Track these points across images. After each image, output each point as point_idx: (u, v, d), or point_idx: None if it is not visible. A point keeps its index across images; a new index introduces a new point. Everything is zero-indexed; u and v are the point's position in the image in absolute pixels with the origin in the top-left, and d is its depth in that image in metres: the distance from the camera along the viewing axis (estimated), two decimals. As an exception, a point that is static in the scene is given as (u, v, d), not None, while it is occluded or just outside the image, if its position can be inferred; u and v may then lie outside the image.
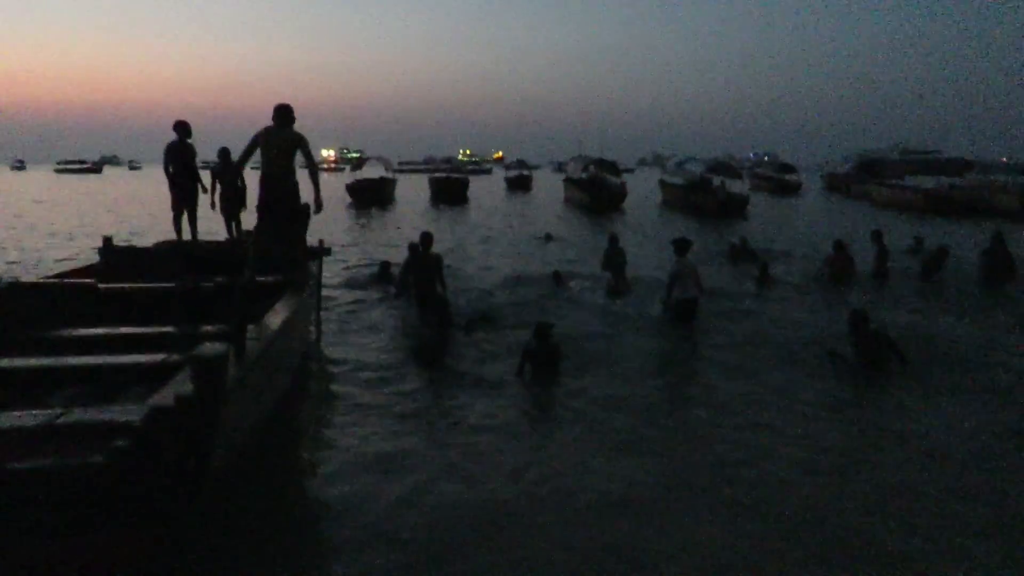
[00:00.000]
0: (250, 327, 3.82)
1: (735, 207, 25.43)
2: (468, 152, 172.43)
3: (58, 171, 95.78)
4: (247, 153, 6.15)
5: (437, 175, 38.41)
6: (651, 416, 5.09)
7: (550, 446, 4.60)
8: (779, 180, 44.42)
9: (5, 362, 3.97)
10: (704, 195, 26.84)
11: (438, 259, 8.13)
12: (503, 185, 48.28)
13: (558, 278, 10.24)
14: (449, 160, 57.14)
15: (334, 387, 5.67)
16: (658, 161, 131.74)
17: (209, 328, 4.78)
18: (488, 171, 77.87)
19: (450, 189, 34.73)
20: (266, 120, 6.18)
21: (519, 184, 47.28)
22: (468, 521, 3.53)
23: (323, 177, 6.60)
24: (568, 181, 34.53)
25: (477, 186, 40.65)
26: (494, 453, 4.41)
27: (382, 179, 33.58)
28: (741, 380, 5.89)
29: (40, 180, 68.26)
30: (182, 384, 2.87)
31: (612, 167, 32.12)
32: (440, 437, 4.67)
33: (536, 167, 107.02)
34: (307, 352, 6.41)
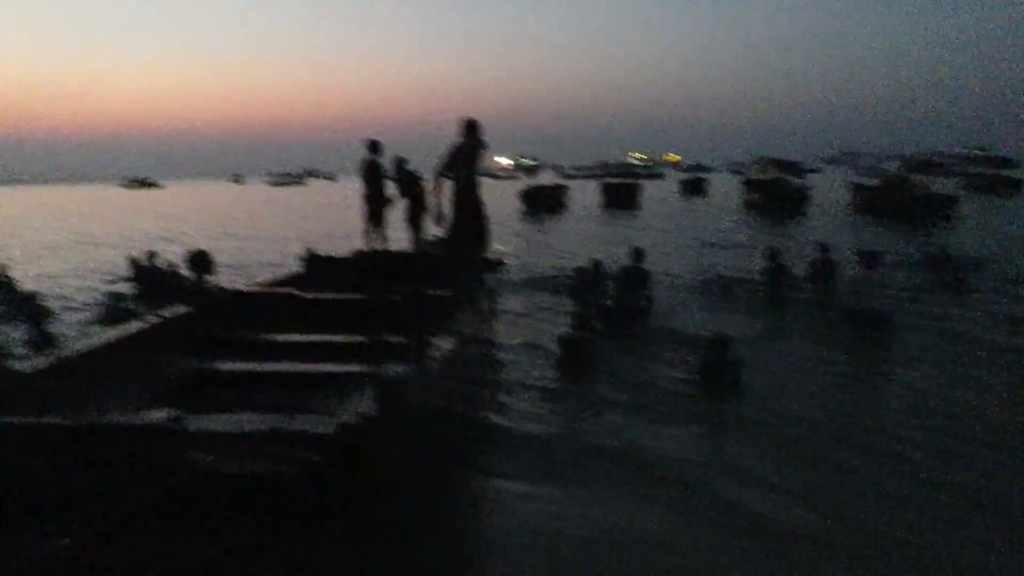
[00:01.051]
0: (429, 341, 4.00)
1: (937, 209, 22.97)
2: (640, 155, 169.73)
3: (270, 183, 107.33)
4: (443, 166, 6.56)
5: (608, 180, 38.31)
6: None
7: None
8: (995, 177, 39.48)
9: (218, 364, 4.55)
10: (900, 196, 24.51)
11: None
12: (677, 188, 47.14)
13: (718, 284, 9.85)
14: (621, 165, 56.69)
15: (504, 401, 5.75)
16: (847, 159, 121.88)
17: (393, 339, 5.14)
18: (660, 175, 76.20)
19: (622, 194, 34.51)
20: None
21: (694, 188, 45.89)
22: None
23: (500, 184, 6.83)
24: (746, 184, 33.03)
25: (649, 191, 39.96)
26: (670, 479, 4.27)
27: (555, 186, 34.12)
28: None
29: (256, 191, 76.82)
30: (366, 400, 3.09)
31: (793, 167, 30.30)
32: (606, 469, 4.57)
33: (712, 169, 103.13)
34: (480, 365, 6.60)
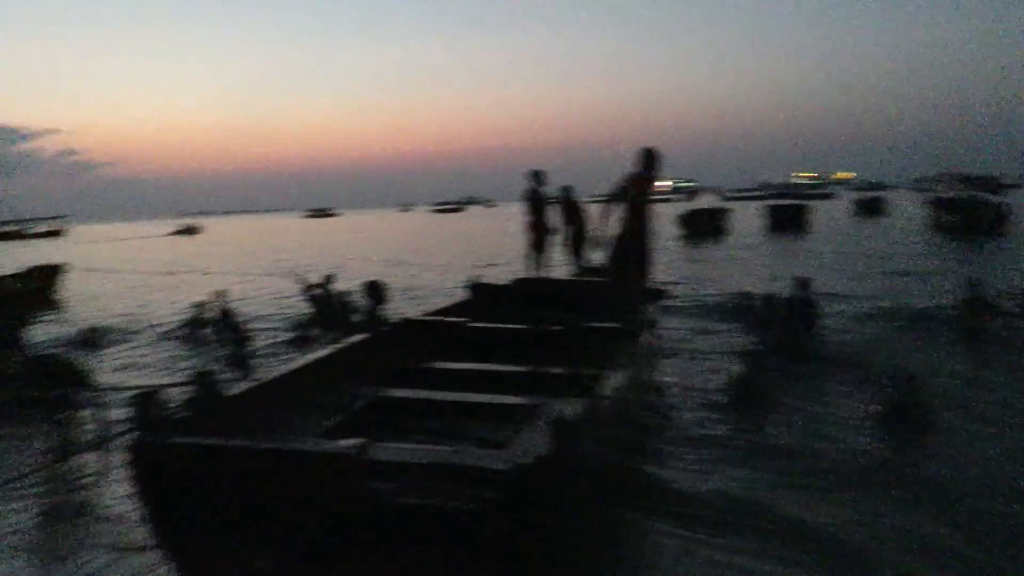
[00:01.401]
0: (597, 375, 3.91)
1: None
2: (807, 174, 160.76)
3: (432, 211, 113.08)
4: (613, 197, 6.54)
5: (772, 202, 36.53)
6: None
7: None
8: None
9: (392, 392, 4.72)
10: None
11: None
12: (850, 209, 44.00)
13: (905, 315, 9.01)
14: (786, 185, 53.90)
15: (668, 443, 5.50)
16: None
17: (559, 372, 5.10)
18: (830, 195, 71.48)
19: (787, 217, 32.71)
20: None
21: (871, 208, 42.58)
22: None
23: (658, 208, 6.66)
24: (934, 202, 30.15)
25: (819, 212, 37.57)
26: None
27: (715, 208, 33.03)
28: None
29: (421, 218, 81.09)
30: (537, 436, 3.07)
31: (987, 183, 27.22)
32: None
33: (890, 187, 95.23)
34: (643, 403, 6.41)
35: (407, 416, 4.55)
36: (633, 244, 6.61)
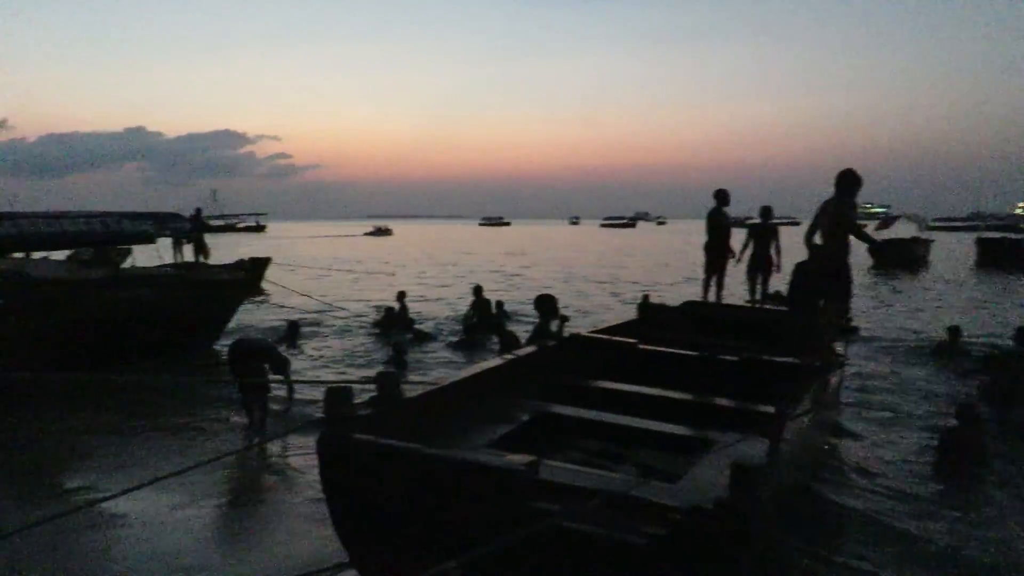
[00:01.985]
0: (776, 413, 3.63)
1: None
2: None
3: (603, 225, 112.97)
4: (811, 228, 6.16)
5: (986, 235, 32.59)
6: None
7: None
8: None
9: (555, 408, 4.68)
10: None
11: None
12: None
13: None
14: (1002, 216, 47.86)
15: (864, 493, 4.99)
16: None
17: (731, 404, 4.82)
18: (1059, 229, 62.57)
19: (1004, 251, 29.04)
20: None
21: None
22: None
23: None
24: None
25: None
26: None
27: (913, 239, 30.06)
28: None
29: (590, 232, 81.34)
30: (711, 477, 2.88)
31: None
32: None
33: None
34: (833, 445, 5.90)
35: (568, 433, 4.50)
36: (828, 274, 6.10)
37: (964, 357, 8.94)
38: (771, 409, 3.26)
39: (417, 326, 11.53)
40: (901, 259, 27.63)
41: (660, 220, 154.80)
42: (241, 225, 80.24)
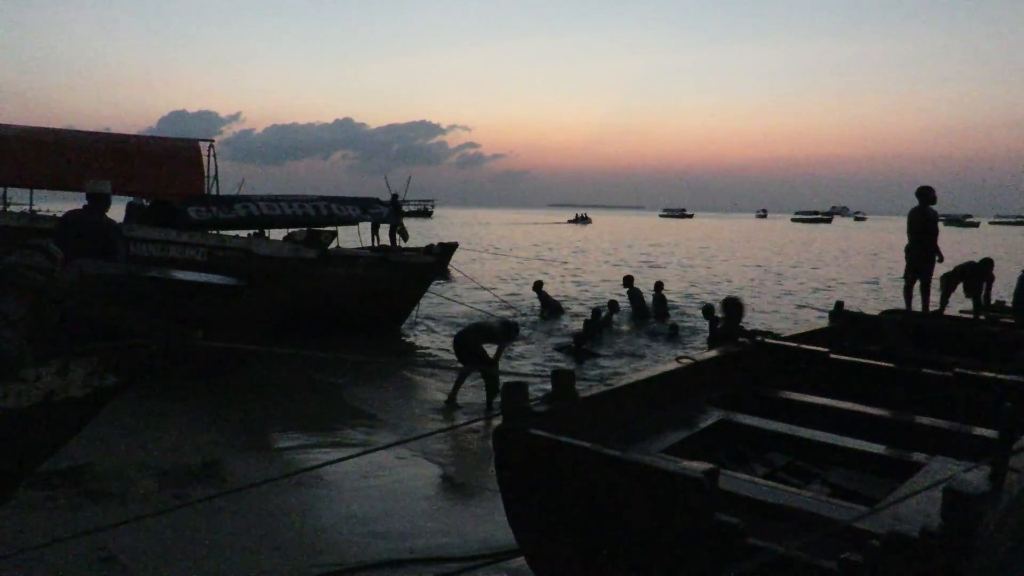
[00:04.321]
0: (997, 439, 3.22)
1: None
2: None
3: (795, 220, 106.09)
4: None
5: None
6: None
7: None
8: None
9: (740, 417, 4.49)
10: None
11: None
12: None
13: None
14: None
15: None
16: None
17: (938, 424, 4.38)
18: None
19: None
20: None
21: None
22: None
23: None
24: None
25: None
26: None
27: None
28: None
29: (779, 228, 76.73)
30: (917, 502, 2.64)
31: None
32: None
33: None
34: None
35: (752, 445, 4.32)
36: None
37: None
38: (994, 433, 2.89)
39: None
40: None
41: (859, 215, 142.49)
42: (406, 210, 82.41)
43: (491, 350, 7.48)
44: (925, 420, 4.53)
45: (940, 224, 8.51)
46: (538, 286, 13.65)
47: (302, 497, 4.69)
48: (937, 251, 8.28)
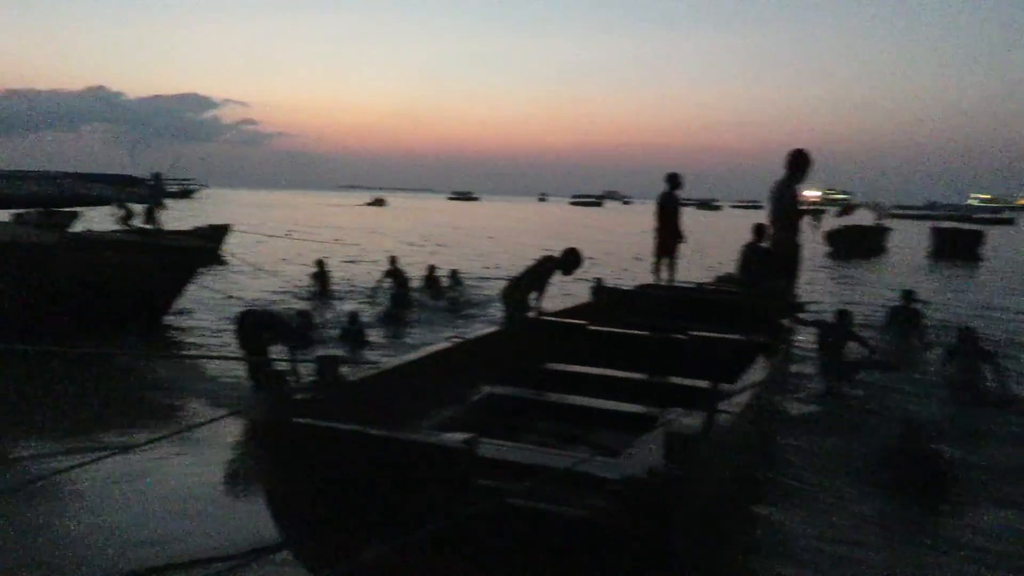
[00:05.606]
0: (722, 390, 3.73)
1: None
2: (984, 196, 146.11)
3: (572, 203, 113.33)
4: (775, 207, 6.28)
5: (941, 225, 33.45)
6: None
7: None
8: None
9: (508, 390, 4.74)
10: None
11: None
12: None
13: None
14: (957, 207, 49.04)
15: (802, 467, 5.18)
16: None
17: (680, 382, 4.94)
18: (1009, 221, 64.30)
19: (957, 243, 29.81)
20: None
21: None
22: None
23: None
24: None
25: (996, 239, 34.00)
26: None
27: (873, 227, 30.63)
28: None
29: (557, 210, 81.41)
30: (652, 450, 2.98)
31: None
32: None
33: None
34: (775, 424, 6.03)
35: (522, 415, 4.56)
36: (776, 254, 6.26)
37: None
38: (719, 385, 3.36)
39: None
40: (861, 247, 28.15)
41: (626, 200, 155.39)
42: (169, 190, 74.16)
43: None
44: (674, 379, 5.10)
45: (693, 208, 9.57)
46: (320, 265, 13.11)
47: (39, 511, 4.17)
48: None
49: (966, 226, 33.28)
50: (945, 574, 3.90)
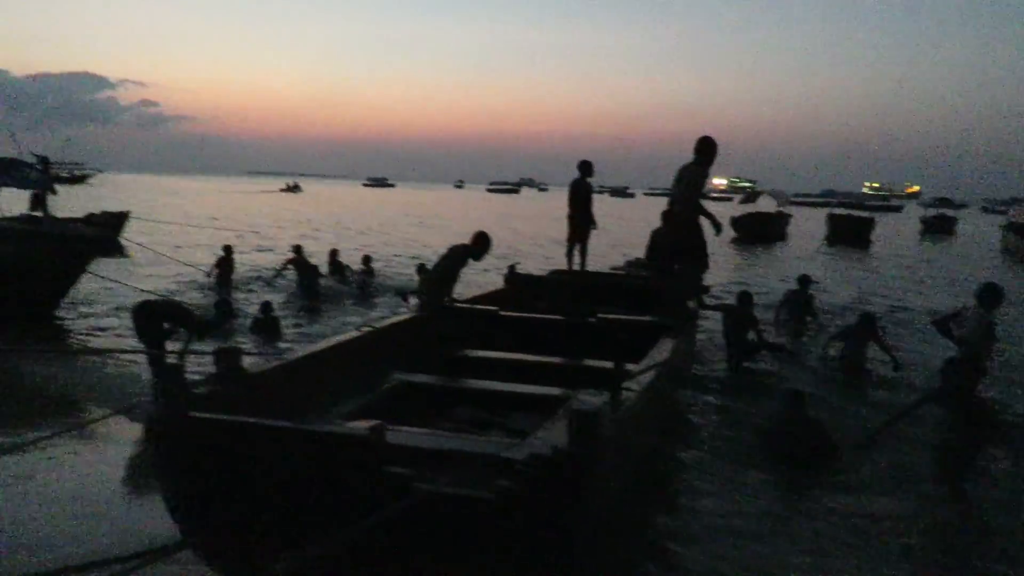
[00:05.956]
0: (628, 370, 3.83)
1: None
2: (874, 184, 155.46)
3: (489, 190, 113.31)
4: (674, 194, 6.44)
5: (836, 212, 35.34)
6: None
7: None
8: None
9: (421, 378, 4.72)
10: None
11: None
12: (917, 227, 42.42)
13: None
14: (852, 195, 51.87)
15: (705, 444, 5.39)
16: None
17: (591, 364, 5.06)
18: (897, 208, 68.73)
19: (850, 229, 31.60)
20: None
21: (938, 227, 40.95)
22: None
23: (710, 207, 6.49)
24: (1009, 227, 28.87)
25: (884, 226, 36.21)
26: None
27: (775, 214, 32.06)
28: None
29: (474, 197, 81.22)
30: (559, 430, 3.04)
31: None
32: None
33: (962, 205, 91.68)
34: (680, 402, 6.26)
35: (436, 403, 4.55)
36: (682, 239, 6.46)
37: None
38: (626, 366, 3.47)
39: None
40: (763, 233, 29.41)
41: (542, 187, 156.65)
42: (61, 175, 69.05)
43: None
44: (584, 362, 5.21)
45: (606, 195, 9.73)
46: (227, 250, 12.46)
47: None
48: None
49: (858, 213, 35.21)
50: (825, 539, 4.18)
